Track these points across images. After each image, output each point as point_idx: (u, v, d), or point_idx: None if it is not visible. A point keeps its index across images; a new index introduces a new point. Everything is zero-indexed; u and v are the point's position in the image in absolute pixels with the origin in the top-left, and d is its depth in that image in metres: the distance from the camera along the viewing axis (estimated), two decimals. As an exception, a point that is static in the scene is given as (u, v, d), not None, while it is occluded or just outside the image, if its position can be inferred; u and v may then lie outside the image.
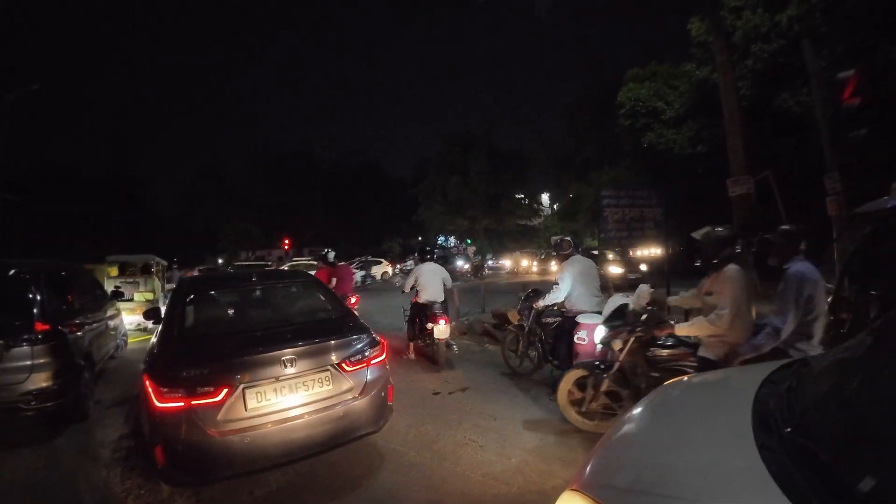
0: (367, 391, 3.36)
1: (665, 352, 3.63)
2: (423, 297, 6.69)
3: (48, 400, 4.20)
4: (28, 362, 4.12)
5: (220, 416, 2.84)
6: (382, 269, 28.38)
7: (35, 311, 4.31)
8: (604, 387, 3.84)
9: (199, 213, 43.64)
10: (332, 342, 3.37)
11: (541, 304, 5.46)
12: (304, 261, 22.57)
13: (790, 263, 3.26)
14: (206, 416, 2.81)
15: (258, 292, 4.39)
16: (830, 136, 8.35)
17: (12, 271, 4.60)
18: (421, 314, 6.75)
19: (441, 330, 6.25)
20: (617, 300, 4.23)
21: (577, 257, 5.30)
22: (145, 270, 11.33)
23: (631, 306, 3.89)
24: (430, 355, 6.65)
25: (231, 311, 4.21)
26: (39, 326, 4.25)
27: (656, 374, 3.52)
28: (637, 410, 1.93)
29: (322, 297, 4.25)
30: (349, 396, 3.28)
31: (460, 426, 4.26)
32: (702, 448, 1.44)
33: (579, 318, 4.87)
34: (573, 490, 1.44)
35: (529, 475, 3.31)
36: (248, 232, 41.41)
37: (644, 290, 3.88)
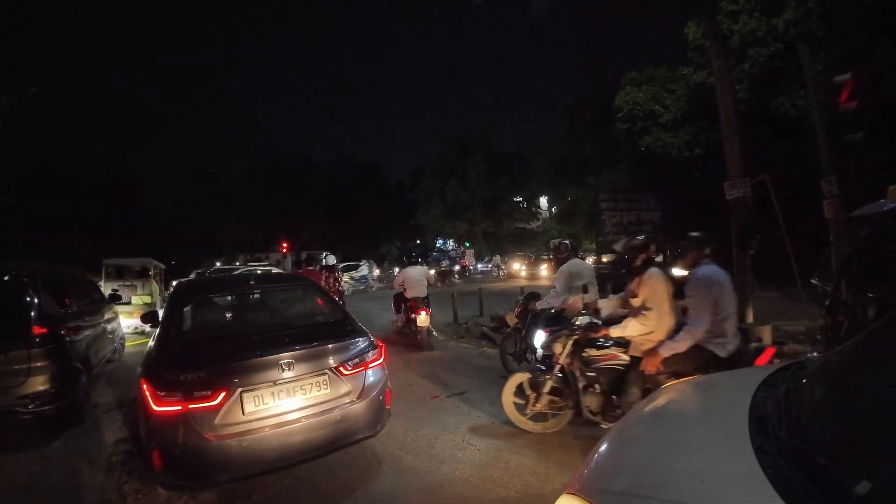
0: (366, 395, 3.36)
1: (600, 352, 3.78)
2: (410, 294, 8.06)
3: (45, 403, 4.17)
4: (25, 366, 4.10)
5: (217, 420, 2.83)
6: (359, 273, 25.05)
7: (32, 314, 4.29)
8: (546, 388, 3.95)
9: (197, 216, 43.55)
10: (330, 346, 3.36)
11: (538, 306, 5.49)
12: (261, 265, 21.46)
13: (698, 268, 3.49)
14: (203, 420, 2.80)
15: (256, 295, 4.38)
16: (827, 140, 8.38)
17: (10, 274, 4.59)
18: (405, 303, 8.34)
19: (423, 319, 7.67)
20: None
21: (575, 261, 5.38)
22: (143, 274, 11.31)
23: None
24: (417, 343, 7.75)
25: (229, 315, 4.20)
26: (37, 330, 4.23)
27: (592, 374, 3.75)
28: (635, 414, 1.94)
29: (320, 301, 4.25)
30: (347, 400, 3.28)
31: (458, 430, 4.25)
32: (699, 452, 1.44)
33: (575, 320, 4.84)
34: (571, 493, 1.44)
35: (527, 479, 3.31)
36: (246, 235, 41.34)
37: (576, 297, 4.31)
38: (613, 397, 3.68)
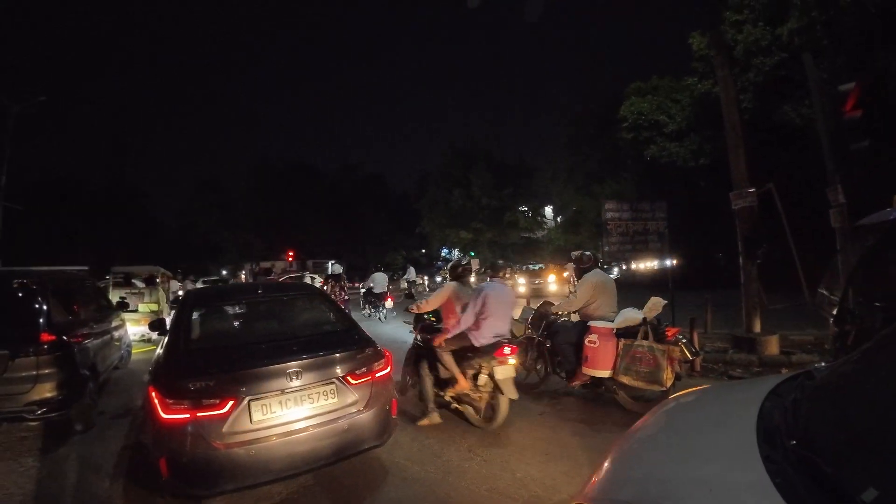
0: (372, 404, 3.36)
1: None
2: (376, 290, 13.52)
3: (52, 410, 4.21)
4: (33, 372, 4.14)
5: (225, 429, 2.84)
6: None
7: (41, 321, 4.34)
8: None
9: (201, 225, 43.76)
10: (338, 355, 3.37)
11: (555, 309, 5.76)
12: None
13: (484, 283, 4.95)
14: (211, 428, 2.81)
15: (264, 305, 4.40)
16: (832, 148, 8.36)
17: (18, 281, 4.64)
18: (373, 297, 13.59)
19: (388, 305, 13.17)
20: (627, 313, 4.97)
21: (598, 271, 5.49)
22: (150, 281, 11.37)
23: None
24: None
25: (237, 324, 4.22)
26: (45, 337, 4.27)
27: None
28: (642, 424, 1.93)
29: (327, 310, 4.27)
30: (354, 409, 3.28)
31: (464, 440, 4.24)
32: (707, 461, 1.44)
33: (591, 323, 5.03)
34: (578, 504, 1.44)
35: (534, 489, 3.29)
36: (251, 243, 41.46)
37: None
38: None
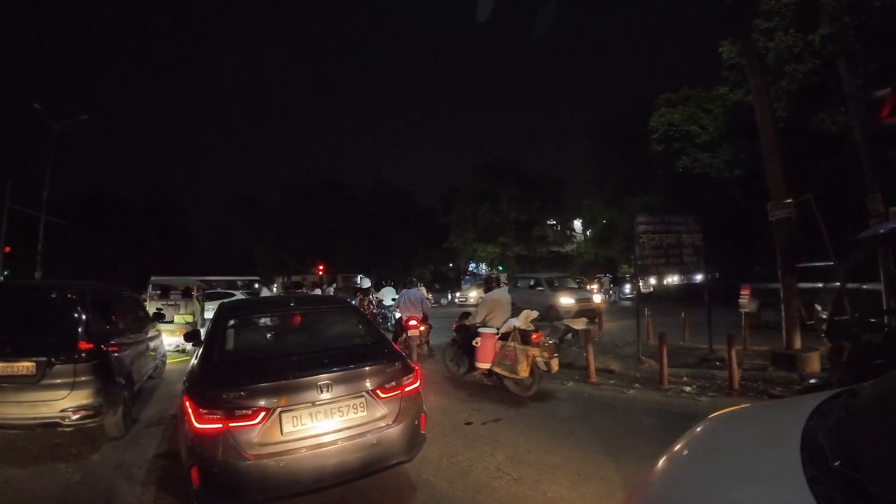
0: (401, 419, 3.32)
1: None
2: (385, 303, 13.83)
3: (87, 417, 4.28)
4: (70, 379, 4.23)
5: (256, 440, 2.85)
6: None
7: (79, 330, 4.45)
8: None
9: (235, 240, 44.90)
10: (368, 368, 3.36)
11: (469, 320, 7.26)
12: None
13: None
14: (242, 438, 2.82)
15: (295, 317, 4.43)
16: (870, 156, 8.04)
17: (60, 291, 4.79)
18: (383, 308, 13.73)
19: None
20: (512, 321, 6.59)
21: (497, 290, 7.21)
22: (186, 293, 11.65)
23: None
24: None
25: (269, 336, 4.26)
26: (83, 345, 4.38)
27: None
28: (681, 445, 1.85)
29: (358, 323, 4.27)
30: (383, 424, 3.25)
31: (493, 458, 4.14)
32: (750, 483, 1.38)
33: (480, 329, 6.63)
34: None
35: (567, 510, 3.18)
36: (283, 258, 42.28)
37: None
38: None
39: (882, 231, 4.49)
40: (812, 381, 6.05)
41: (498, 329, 6.51)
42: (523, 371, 5.98)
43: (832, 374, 4.50)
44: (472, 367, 6.70)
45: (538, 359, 6.04)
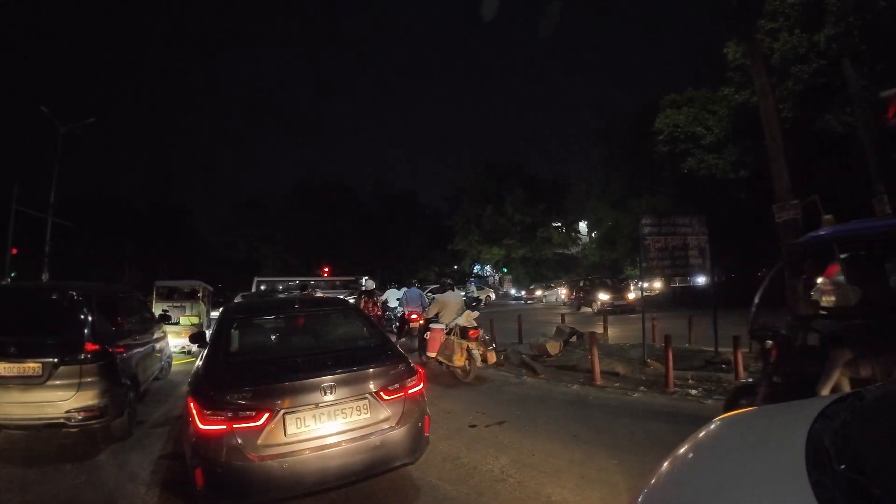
0: (405, 421, 3.31)
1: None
2: (390, 304, 14.19)
3: (92, 418, 4.31)
4: (76, 380, 4.25)
5: (260, 441, 2.85)
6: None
7: (86, 331, 4.48)
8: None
9: (241, 242, 45.03)
10: (371, 370, 3.36)
11: (421, 319, 8.75)
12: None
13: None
14: (246, 440, 2.83)
15: (300, 319, 4.44)
16: (876, 156, 7.98)
17: (66, 293, 4.82)
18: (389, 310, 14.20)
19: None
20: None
21: (448, 293, 8.18)
22: (192, 295, 11.70)
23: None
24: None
25: (274, 337, 4.27)
26: (89, 346, 4.40)
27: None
28: (686, 448, 1.84)
29: (362, 325, 4.27)
30: (386, 426, 3.25)
31: (497, 461, 4.12)
32: (754, 486, 1.37)
33: (431, 324, 7.96)
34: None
35: (571, 513, 3.17)
36: (287, 260, 42.38)
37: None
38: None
39: (802, 240, 4.37)
40: (742, 381, 6.01)
41: (447, 325, 7.65)
42: (458, 360, 7.12)
43: (762, 374, 4.37)
44: (424, 355, 8.00)
45: (474, 350, 7.14)
